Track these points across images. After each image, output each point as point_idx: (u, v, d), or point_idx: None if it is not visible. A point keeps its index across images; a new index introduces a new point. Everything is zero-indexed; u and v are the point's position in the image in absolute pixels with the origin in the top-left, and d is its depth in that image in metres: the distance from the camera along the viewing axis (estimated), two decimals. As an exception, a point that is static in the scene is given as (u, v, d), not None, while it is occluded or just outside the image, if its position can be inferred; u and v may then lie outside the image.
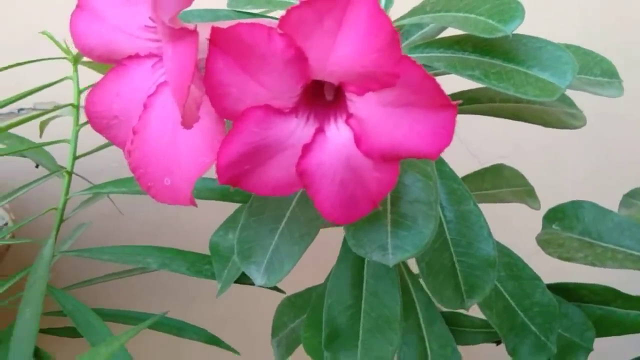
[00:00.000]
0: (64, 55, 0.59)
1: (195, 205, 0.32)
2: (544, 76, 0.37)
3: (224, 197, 0.51)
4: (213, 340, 0.60)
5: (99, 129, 0.37)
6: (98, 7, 0.35)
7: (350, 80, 0.28)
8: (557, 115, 0.55)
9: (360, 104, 0.28)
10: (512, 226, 0.62)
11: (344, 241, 0.49)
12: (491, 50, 0.39)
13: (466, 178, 0.65)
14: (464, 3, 0.39)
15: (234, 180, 0.30)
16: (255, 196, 0.42)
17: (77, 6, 0.36)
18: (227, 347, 0.60)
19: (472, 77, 0.38)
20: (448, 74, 0.40)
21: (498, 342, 0.61)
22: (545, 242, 0.60)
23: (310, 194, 0.31)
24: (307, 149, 0.30)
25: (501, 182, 0.66)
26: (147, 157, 0.33)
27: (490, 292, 0.54)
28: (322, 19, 0.25)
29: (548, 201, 0.60)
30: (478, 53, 0.40)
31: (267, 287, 0.45)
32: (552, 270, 0.60)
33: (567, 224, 0.58)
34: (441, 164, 0.46)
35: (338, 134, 0.30)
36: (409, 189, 0.36)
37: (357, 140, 0.29)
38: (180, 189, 0.32)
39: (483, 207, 0.55)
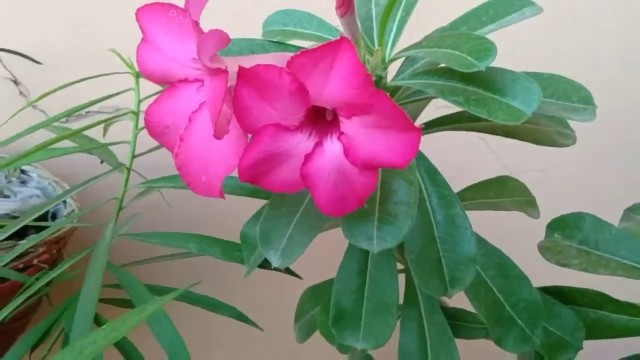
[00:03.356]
0: (127, 70, 0.67)
1: (223, 197, 0.41)
2: (514, 104, 0.42)
3: (252, 193, 0.59)
4: (240, 317, 0.68)
5: (153, 135, 0.46)
6: (159, 42, 0.44)
7: (339, 107, 0.36)
8: (549, 134, 0.59)
9: (348, 125, 0.37)
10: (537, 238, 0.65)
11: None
12: (474, 80, 0.44)
13: (472, 187, 0.71)
14: (452, 41, 0.44)
15: (252, 179, 0.39)
16: (275, 194, 0.49)
17: (142, 39, 0.45)
18: (252, 324, 0.68)
19: (456, 102, 0.43)
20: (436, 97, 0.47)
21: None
22: (545, 249, 0.62)
23: (311, 192, 0.39)
24: (308, 157, 0.38)
25: (504, 192, 0.71)
26: (189, 159, 0.42)
27: (480, 286, 0.59)
28: (317, 64, 0.34)
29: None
30: (464, 82, 0.44)
31: (281, 271, 0.53)
32: (568, 277, 0.62)
33: (567, 233, 0.61)
34: (436, 173, 0.52)
35: (332, 146, 0.38)
36: (395, 192, 0.43)
37: (346, 152, 0.37)
38: (213, 184, 0.41)
39: (503, 215, 0.56)
